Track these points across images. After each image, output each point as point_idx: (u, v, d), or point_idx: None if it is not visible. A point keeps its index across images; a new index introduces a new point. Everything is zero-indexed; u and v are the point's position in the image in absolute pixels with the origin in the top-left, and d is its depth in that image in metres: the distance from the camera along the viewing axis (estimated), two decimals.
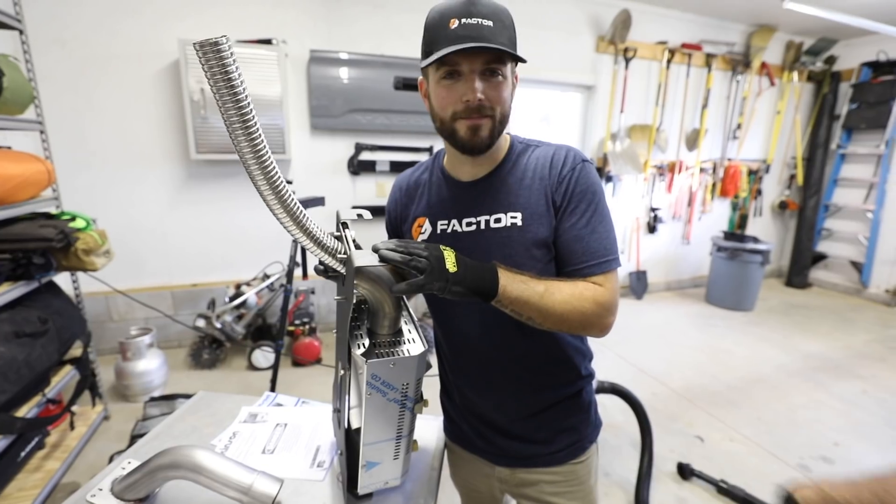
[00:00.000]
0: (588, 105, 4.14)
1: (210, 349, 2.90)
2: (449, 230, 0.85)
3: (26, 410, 1.67)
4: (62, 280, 2.11)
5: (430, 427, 1.06)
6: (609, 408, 2.49)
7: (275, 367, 2.30)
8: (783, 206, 5.12)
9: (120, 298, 2.92)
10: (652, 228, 4.55)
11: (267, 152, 0.54)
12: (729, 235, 4.50)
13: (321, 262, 0.70)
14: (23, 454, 1.80)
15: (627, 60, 3.94)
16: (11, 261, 1.73)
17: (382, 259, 0.63)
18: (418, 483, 0.87)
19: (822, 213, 4.96)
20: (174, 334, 3.16)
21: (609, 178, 4.18)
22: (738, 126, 4.65)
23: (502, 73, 0.74)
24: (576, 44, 3.86)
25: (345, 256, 0.67)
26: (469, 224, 0.83)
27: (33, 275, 1.78)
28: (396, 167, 3.43)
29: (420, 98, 0.85)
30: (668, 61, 4.12)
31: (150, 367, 2.51)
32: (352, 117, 3.21)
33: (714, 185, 4.73)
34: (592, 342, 0.96)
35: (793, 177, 5.08)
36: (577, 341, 0.90)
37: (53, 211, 2.06)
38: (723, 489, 1.91)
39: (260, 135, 0.53)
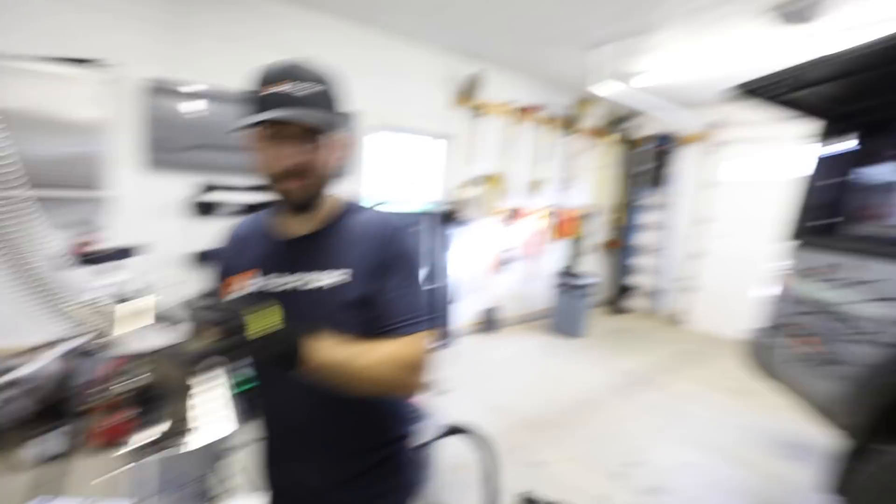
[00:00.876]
0: (445, 153, 4.48)
1: None
2: (269, 287, 0.84)
3: None
4: None
5: None
6: (456, 448, 2.60)
7: (59, 461, 1.88)
8: (607, 245, 6.15)
9: None
10: (502, 268, 5.03)
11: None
12: (565, 272, 5.22)
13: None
14: None
15: (479, 115, 4.40)
16: None
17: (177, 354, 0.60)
18: None
19: (630, 251, 6.10)
20: None
21: (462, 222, 4.51)
22: (571, 177, 5.49)
23: (315, 141, 0.76)
24: (433, 96, 4.18)
25: (102, 333, 0.60)
26: (290, 281, 0.83)
27: None
28: (244, 209, 3.21)
29: None
30: (515, 118, 4.71)
31: None
32: (196, 154, 2.95)
33: (553, 227, 5.46)
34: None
35: (613, 220, 6.16)
36: (391, 404, 0.92)
37: None
38: None
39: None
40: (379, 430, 0.91)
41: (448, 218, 4.39)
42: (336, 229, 0.85)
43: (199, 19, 2.94)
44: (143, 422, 0.63)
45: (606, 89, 3.98)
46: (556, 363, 4.16)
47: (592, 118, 5.53)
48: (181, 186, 3.01)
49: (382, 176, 4.01)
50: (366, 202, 0.95)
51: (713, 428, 3.06)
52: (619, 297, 6.10)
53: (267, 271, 0.85)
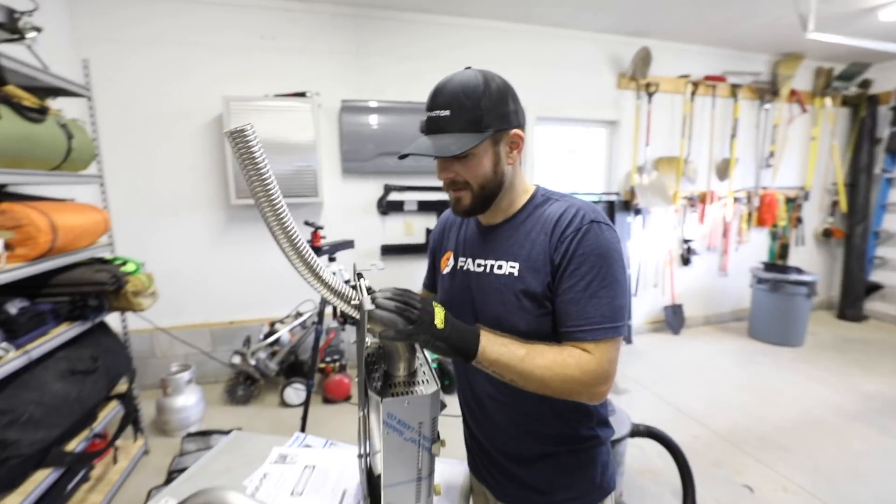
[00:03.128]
0: (612, 139, 4.17)
1: (244, 385, 2.98)
2: (465, 267, 0.92)
3: (75, 444, 1.76)
4: (111, 319, 2.26)
5: (454, 472, 1.05)
6: (647, 451, 2.37)
7: (305, 406, 2.34)
8: (827, 234, 4.88)
9: (162, 336, 3.08)
10: (686, 260, 4.42)
11: (289, 220, 0.61)
12: (770, 266, 4.31)
13: (337, 309, 0.75)
14: (70, 487, 1.88)
15: (650, 95, 3.97)
16: (70, 303, 1.88)
17: (377, 306, 0.67)
18: None
19: (871, 240, 4.69)
20: (211, 371, 3.27)
21: (638, 211, 4.13)
22: (771, 154, 4.54)
23: (469, 154, 0.79)
24: (597, 81, 3.94)
25: (357, 303, 0.71)
26: (479, 265, 0.89)
27: (87, 316, 1.92)
28: (423, 206, 3.53)
29: None
30: (692, 94, 4.12)
31: (188, 402, 2.60)
32: (381, 160, 3.36)
33: (750, 214, 4.58)
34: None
35: (835, 203, 4.86)
36: (574, 403, 0.85)
37: (108, 256, 2.23)
38: None
39: (281, 203, 0.60)
40: (561, 423, 0.87)
41: (622, 208, 4.08)
42: (519, 221, 0.87)
43: (376, 46, 3.36)
44: (378, 374, 0.73)
45: (829, 36, 3.15)
46: (759, 373, 3.46)
47: (799, 80, 4.48)
48: (369, 190, 3.47)
49: (550, 169, 3.95)
50: (560, 191, 0.90)
51: None
52: (851, 298, 4.76)
53: (463, 254, 0.94)
